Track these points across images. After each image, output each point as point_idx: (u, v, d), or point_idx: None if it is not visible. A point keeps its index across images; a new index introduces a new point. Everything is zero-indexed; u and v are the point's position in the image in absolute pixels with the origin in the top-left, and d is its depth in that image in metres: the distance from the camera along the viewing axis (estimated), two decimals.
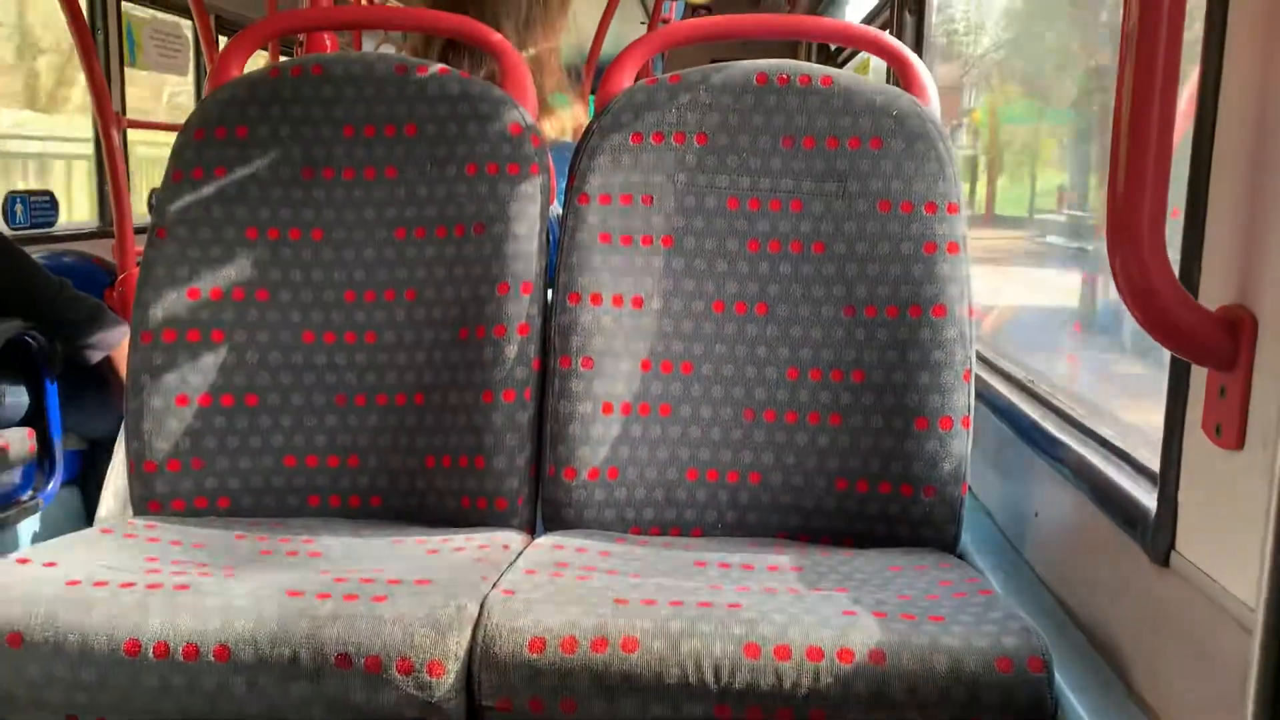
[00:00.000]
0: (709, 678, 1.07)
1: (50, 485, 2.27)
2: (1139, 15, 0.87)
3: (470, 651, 1.11)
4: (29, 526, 2.27)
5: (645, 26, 6.23)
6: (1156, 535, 1.05)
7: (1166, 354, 1.02)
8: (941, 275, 1.47)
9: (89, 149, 4.25)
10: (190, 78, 5.00)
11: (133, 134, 4.25)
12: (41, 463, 2.27)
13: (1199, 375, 0.98)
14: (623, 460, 1.50)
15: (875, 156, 1.51)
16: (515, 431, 1.49)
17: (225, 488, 1.54)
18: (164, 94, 5.04)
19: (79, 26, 2.86)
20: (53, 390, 2.25)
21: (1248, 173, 0.91)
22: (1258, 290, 0.89)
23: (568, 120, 1.87)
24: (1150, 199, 0.88)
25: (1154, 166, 0.88)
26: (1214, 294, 0.96)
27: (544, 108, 1.83)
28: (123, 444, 2.36)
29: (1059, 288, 2.35)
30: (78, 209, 4.36)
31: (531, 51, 1.82)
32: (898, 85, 1.61)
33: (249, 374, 1.55)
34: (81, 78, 2.97)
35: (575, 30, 2.00)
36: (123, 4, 4.24)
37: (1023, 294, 2.57)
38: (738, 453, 1.51)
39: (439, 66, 1.60)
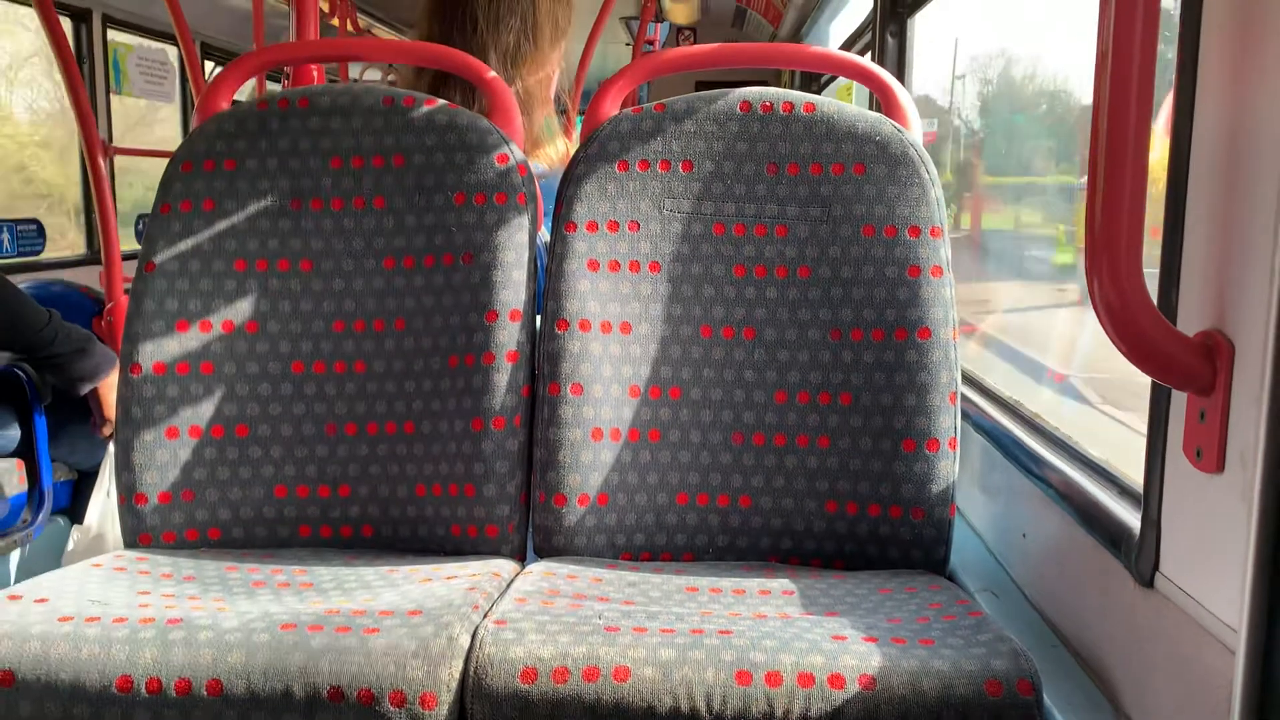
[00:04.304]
0: (701, 705, 1.07)
1: (39, 517, 2.27)
2: (1113, 41, 0.88)
3: (463, 682, 1.12)
4: (17, 558, 2.27)
5: (629, 48, 6.26)
6: (1141, 556, 1.06)
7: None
8: (925, 298, 1.49)
9: None
10: (176, 105, 5.01)
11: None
12: (31, 494, 2.27)
13: (1179, 400, 0.99)
14: (613, 486, 1.50)
15: (858, 181, 1.53)
16: (505, 459, 1.49)
17: (216, 519, 1.54)
18: None
19: (64, 54, 2.86)
20: (42, 422, 2.25)
21: (1223, 199, 0.93)
22: (1234, 316, 0.91)
23: (554, 153, 1.88)
24: (1127, 226, 0.90)
25: (1130, 193, 0.89)
26: (1192, 320, 0.97)
27: (534, 141, 1.84)
28: (101, 476, 2.37)
29: None
30: None
31: (519, 85, 1.83)
32: (880, 110, 1.63)
33: (239, 405, 1.55)
34: None
35: (564, 54, 2.01)
36: (109, 31, 4.25)
37: None
38: (727, 476, 1.52)
39: (426, 98, 1.61)
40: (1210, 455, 0.92)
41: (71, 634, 1.15)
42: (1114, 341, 0.92)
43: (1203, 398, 0.93)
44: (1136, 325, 0.91)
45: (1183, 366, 0.93)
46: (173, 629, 1.16)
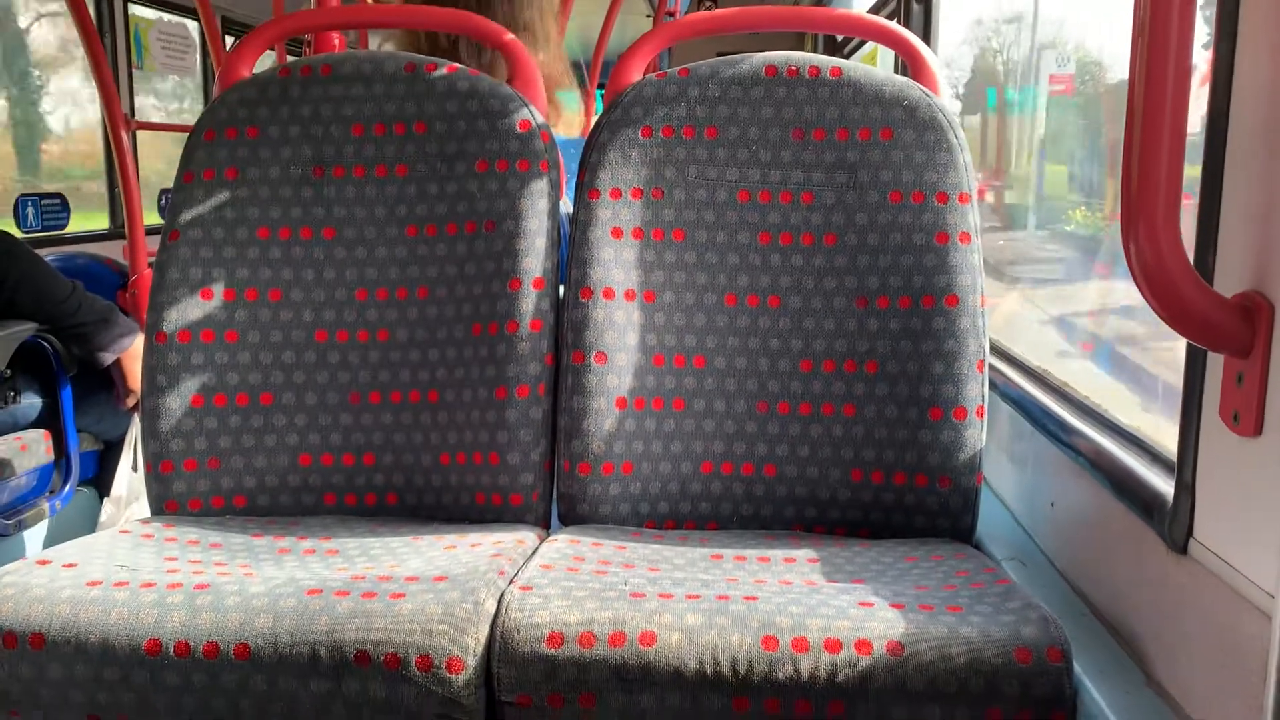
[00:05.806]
0: (727, 670, 1.07)
1: (66, 486, 2.29)
2: None
3: (489, 647, 1.12)
4: (45, 527, 2.29)
5: (650, 19, 6.21)
6: (1174, 523, 1.05)
7: None
8: (953, 265, 1.47)
9: None
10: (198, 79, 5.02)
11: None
12: (57, 464, 2.28)
13: (1215, 362, 0.98)
14: (637, 454, 1.50)
15: (885, 147, 1.51)
16: (529, 427, 1.49)
17: (241, 486, 1.55)
18: None
19: (87, 30, 2.86)
20: (67, 392, 2.26)
21: (1262, 158, 0.91)
22: (1273, 276, 0.89)
23: (576, 120, 1.87)
24: (1164, 186, 0.88)
25: (1167, 152, 0.87)
26: (1229, 280, 0.95)
27: (551, 105, 1.83)
28: (127, 446, 2.38)
29: None
30: None
31: (537, 28, 1.81)
32: (906, 75, 1.61)
33: (263, 373, 1.55)
34: None
35: (580, 25, 2.00)
36: (130, 6, 4.25)
37: None
38: (752, 445, 1.51)
39: (447, 64, 1.60)
40: (1248, 419, 0.91)
41: (100, 598, 1.16)
42: (1150, 303, 0.91)
43: (1240, 360, 0.92)
44: (1173, 286, 0.89)
45: (1220, 328, 0.91)
46: (200, 594, 1.16)
